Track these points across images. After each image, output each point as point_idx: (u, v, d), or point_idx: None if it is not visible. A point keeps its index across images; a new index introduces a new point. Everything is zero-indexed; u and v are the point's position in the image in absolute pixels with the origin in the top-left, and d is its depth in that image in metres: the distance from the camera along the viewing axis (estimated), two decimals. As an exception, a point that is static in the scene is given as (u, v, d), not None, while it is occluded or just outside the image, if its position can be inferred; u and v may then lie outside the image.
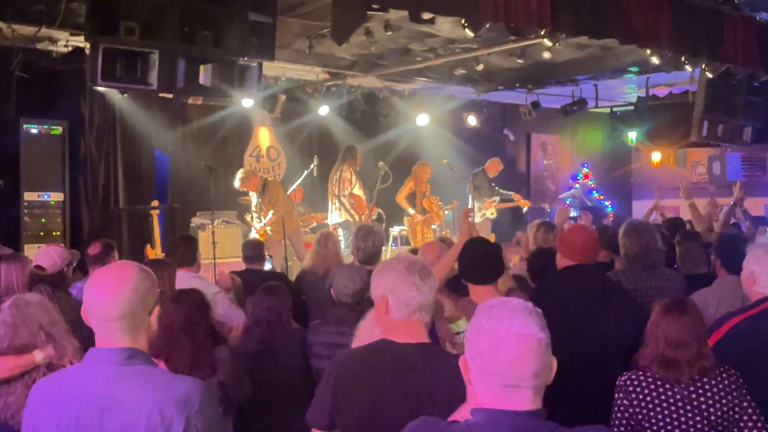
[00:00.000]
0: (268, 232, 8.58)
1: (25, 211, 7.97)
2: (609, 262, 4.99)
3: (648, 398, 2.84)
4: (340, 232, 9.22)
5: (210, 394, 2.04)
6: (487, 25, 5.78)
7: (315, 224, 9.95)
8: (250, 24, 5.34)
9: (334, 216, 9.56)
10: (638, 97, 11.52)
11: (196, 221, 9.18)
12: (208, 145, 9.98)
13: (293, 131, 10.90)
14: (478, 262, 3.46)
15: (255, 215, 8.80)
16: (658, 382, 2.85)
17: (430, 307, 2.43)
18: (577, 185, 13.79)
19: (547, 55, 7.87)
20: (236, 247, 8.03)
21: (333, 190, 9.55)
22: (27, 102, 7.85)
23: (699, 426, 2.78)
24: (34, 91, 7.86)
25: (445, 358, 2.35)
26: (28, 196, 8.00)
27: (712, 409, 2.78)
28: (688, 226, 6.60)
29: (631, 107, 12.02)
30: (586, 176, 14.23)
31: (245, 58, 5.50)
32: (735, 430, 2.80)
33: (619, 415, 2.91)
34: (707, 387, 2.81)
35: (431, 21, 6.75)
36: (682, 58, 7.01)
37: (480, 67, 8.93)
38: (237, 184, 8.66)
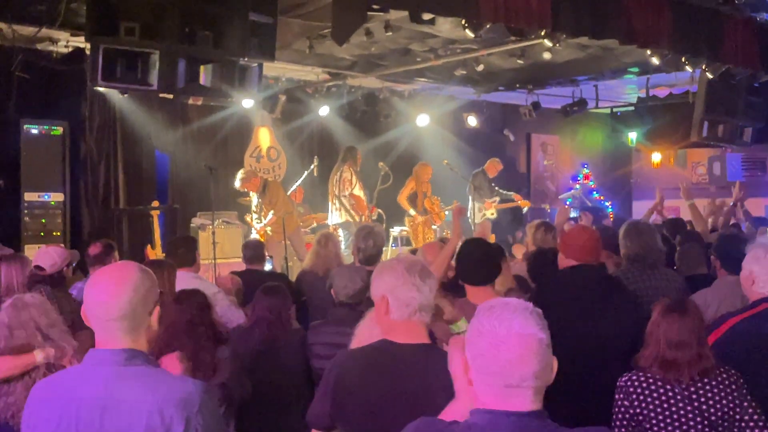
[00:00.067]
0: (269, 232, 8.58)
1: (26, 211, 7.96)
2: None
3: (649, 399, 2.84)
4: (340, 232, 9.22)
5: (210, 394, 2.04)
6: (488, 26, 5.78)
7: (315, 225, 9.94)
8: (250, 24, 5.34)
9: (335, 216, 9.56)
10: (638, 98, 11.52)
11: (196, 221, 9.18)
12: (209, 145, 9.98)
13: (293, 132, 10.89)
14: (476, 263, 3.45)
15: (255, 216, 8.81)
16: (659, 383, 2.85)
17: (430, 308, 2.43)
18: (578, 186, 13.79)
19: (547, 55, 7.87)
20: (236, 247, 8.03)
21: (333, 191, 9.55)
22: (27, 102, 7.85)
23: (699, 426, 2.78)
24: (35, 91, 7.86)
25: (446, 359, 2.34)
26: (29, 196, 8.00)
27: (712, 410, 2.78)
28: (688, 227, 6.60)
29: (632, 108, 12.02)
30: (586, 177, 14.23)
31: (245, 59, 5.50)
32: (735, 430, 2.80)
33: (620, 415, 2.91)
34: (708, 387, 2.81)
35: (431, 21, 6.75)
36: (683, 59, 7.00)
37: (480, 67, 8.93)
38: (237, 184, 8.66)
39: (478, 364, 1.64)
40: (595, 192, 14.13)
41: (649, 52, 6.88)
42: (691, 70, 7.67)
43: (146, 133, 9.19)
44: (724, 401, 2.79)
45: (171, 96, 6.68)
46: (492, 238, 9.97)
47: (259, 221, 8.71)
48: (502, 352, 1.60)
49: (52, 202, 8.14)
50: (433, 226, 10.10)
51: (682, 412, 2.80)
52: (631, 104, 12.07)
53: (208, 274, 7.46)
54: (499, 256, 3.92)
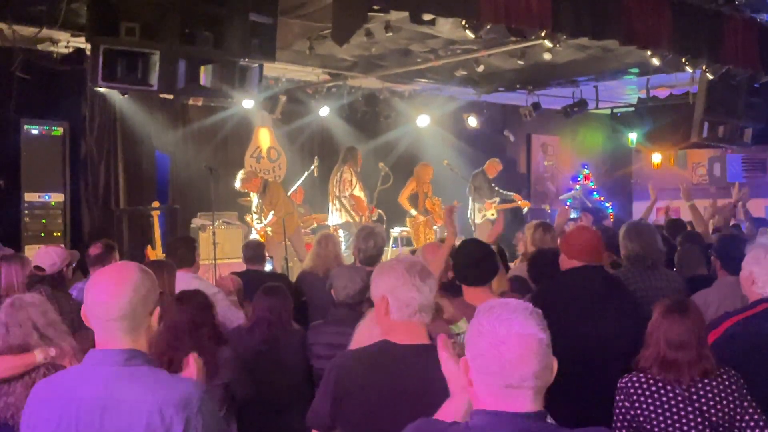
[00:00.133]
0: (269, 232, 8.58)
1: (26, 211, 7.96)
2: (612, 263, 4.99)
3: (649, 400, 2.84)
4: (340, 233, 9.21)
5: (209, 395, 2.04)
6: (488, 27, 5.78)
7: (315, 225, 9.95)
8: (250, 25, 5.34)
9: (335, 217, 9.56)
10: (639, 99, 11.53)
11: (196, 222, 9.18)
12: (209, 145, 9.98)
13: (294, 132, 10.89)
14: (473, 263, 3.45)
15: (255, 216, 8.81)
16: (659, 384, 2.85)
17: (430, 308, 2.43)
18: (578, 186, 13.78)
19: (547, 56, 7.86)
20: (237, 247, 8.03)
21: (333, 191, 9.55)
22: (28, 103, 7.85)
23: (700, 427, 2.78)
24: (35, 91, 7.85)
25: (446, 359, 2.35)
26: (29, 196, 8.00)
27: (713, 410, 2.78)
28: (688, 227, 6.60)
29: (632, 108, 12.03)
30: (586, 177, 14.23)
31: (246, 59, 5.50)
32: (736, 431, 2.80)
33: (620, 417, 2.90)
34: (708, 388, 2.81)
35: (432, 22, 6.76)
36: (683, 60, 7.00)
37: (480, 68, 8.93)
38: (238, 184, 8.66)
39: (478, 364, 1.64)
40: (595, 193, 14.12)
41: (649, 52, 6.88)
42: (691, 71, 7.67)
43: (146, 133, 9.19)
44: (724, 402, 2.79)
45: (171, 96, 6.72)
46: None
47: (259, 222, 8.72)
48: (503, 353, 1.60)
49: (53, 203, 8.14)
50: (434, 227, 10.10)
51: (682, 413, 2.80)
52: (631, 105, 12.07)
53: (209, 274, 7.46)
54: (496, 256, 3.91)
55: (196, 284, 4.33)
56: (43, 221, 8.05)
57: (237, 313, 4.68)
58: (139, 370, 1.99)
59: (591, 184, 14.19)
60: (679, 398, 2.81)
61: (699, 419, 2.78)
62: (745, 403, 2.81)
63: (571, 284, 3.60)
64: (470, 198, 10.53)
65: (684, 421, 2.79)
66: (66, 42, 7.57)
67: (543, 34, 6.45)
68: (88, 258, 5.46)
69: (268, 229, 8.58)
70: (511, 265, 6.01)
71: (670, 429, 2.80)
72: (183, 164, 9.66)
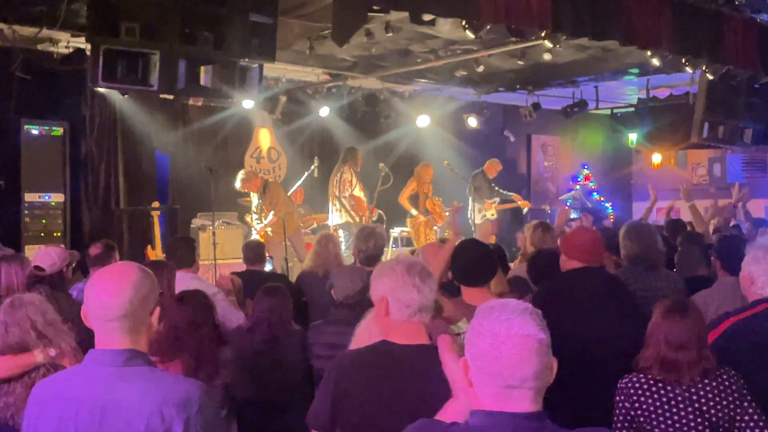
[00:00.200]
0: (269, 233, 8.58)
1: (26, 212, 7.96)
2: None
3: (649, 400, 2.84)
4: (340, 233, 9.21)
5: (209, 395, 2.04)
6: (488, 27, 5.78)
7: (315, 225, 9.95)
8: (250, 25, 5.33)
9: (335, 217, 9.56)
10: (639, 99, 11.53)
11: (196, 222, 9.18)
12: (209, 146, 9.98)
13: (294, 132, 10.90)
14: (471, 263, 3.44)
15: (256, 216, 8.81)
16: (659, 384, 2.85)
17: (430, 309, 2.43)
18: (578, 187, 13.79)
19: (547, 56, 7.87)
20: (237, 248, 8.03)
21: (333, 192, 9.55)
22: (28, 103, 7.85)
23: (700, 427, 2.78)
24: (35, 92, 7.85)
25: (446, 360, 2.34)
26: (29, 197, 8.00)
27: (713, 411, 2.78)
28: (688, 228, 6.60)
29: (632, 109, 12.04)
30: (586, 178, 14.23)
31: (246, 60, 5.49)
32: (736, 431, 2.80)
33: (621, 417, 2.91)
34: (708, 388, 2.81)
35: (432, 22, 6.76)
36: (683, 60, 7.00)
37: (480, 68, 8.93)
38: (238, 184, 8.66)
39: (478, 365, 1.64)
40: (595, 193, 14.13)
41: (649, 53, 6.89)
42: (691, 71, 7.67)
43: (147, 133, 9.19)
44: (724, 402, 2.79)
45: (171, 97, 6.72)
46: (492, 239, 9.97)
47: (259, 222, 8.72)
48: (503, 353, 1.60)
49: (53, 203, 8.14)
50: (435, 227, 10.10)
51: (682, 413, 2.80)
52: (631, 105, 12.07)
53: (209, 274, 7.47)
54: (495, 257, 3.90)
55: (196, 284, 4.33)
56: (43, 221, 8.05)
57: (236, 313, 4.68)
58: (139, 371, 1.99)
59: (591, 184, 14.20)
60: (679, 398, 2.81)
61: (699, 419, 2.78)
62: (745, 403, 2.81)
63: (571, 285, 3.60)
64: (470, 198, 10.53)
65: (684, 421, 2.79)
66: (66, 42, 7.57)
67: (543, 34, 6.44)
68: (88, 258, 5.46)
69: (268, 229, 8.58)
70: (511, 265, 6.01)
71: (670, 429, 2.80)
72: (183, 164, 9.66)
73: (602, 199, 14.11)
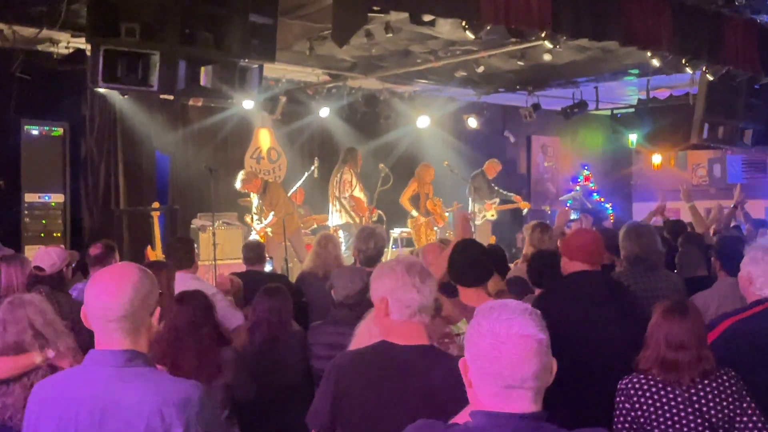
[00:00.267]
0: (269, 233, 8.58)
1: (26, 212, 7.95)
2: (610, 264, 4.99)
3: (649, 401, 2.84)
4: (340, 234, 9.22)
5: (209, 396, 2.04)
6: (488, 27, 5.78)
7: (315, 226, 9.95)
8: (250, 26, 5.34)
9: (335, 218, 9.57)
10: (639, 100, 11.53)
11: (196, 222, 9.18)
12: (209, 146, 9.98)
13: (294, 133, 10.90)
14: (468, 264, 3.44)
15: (255, 217, 8.81)
16: (659, 385, 2.85)
17: (430, 309, 2.43)
18: (578, 187, 13.79)
19: (547, 57, 7.87)
20: (237, 248, 8.03)
21: (333, 192, 9.55)
22: (28, 103, 7.85)
23: (700, 428, 2.78)
24: (35, 92, 7.86)
25: (446, 360, 2.35)
26: (29, 197, 7.99)
27: (713, 411, 2.78)
28: (688, 229, 6.61)
29: (632, 109, 12.04)
30: (586, 178, 14.23)
31: (246, 60, 5.50)
32: (736, 431, 2.80)
33: (621, 418, 2.91)
34: (708, 389, 2.81)
35: (432, 23, 6.76)
36: (683, 61, 7.00)
37: (480, 69, 8.93)
38: (238, 185, 8.66)
39: (478, 365, 1.64)
40: (595, 194, 14.13)
41: (649, 53, 6.88)
42: (691, 72, 7.68)
43: (147, 134, 9.18)
44: (724, 403, 2.79)
45: (171, 97, 6.71)
46: (492, 240, 9.99)
47: (259, 222, 8.72)
48: (502, 353, 1.60)
49: (53, 203, 8.14)
50: (435, 228, 10.10)
51: (682, 414, 2.80)
52: (631, 106, 12.08)
53: (209, 274, 7.47)
54: (491, 256, 3.89)
55: (195, 285, 4.32)
56: (43, 221, 8.05)
57: (236, 313, 4.68)
58: (139, 371, 1.99)
59: (591, 185, 14.20)
60: (679, 399, 2.81)
61: (699, 420, 2.78)
62: (745, 404, 2.81)
63: (572, 287, 3.60)
64: (470, 199, 10.53)
65: (684, 422, 2.79)
66: (66, 42, 7.57)
67: (543, 35, 6.44)
68: (88, 258, 5.46)
69: (268, 229, 8.58)
70: (511, 266, 6.01)
71: (670, 430, 2.80)
72: (183, 165, 9.66)
73: (602, 199, 14.12)
